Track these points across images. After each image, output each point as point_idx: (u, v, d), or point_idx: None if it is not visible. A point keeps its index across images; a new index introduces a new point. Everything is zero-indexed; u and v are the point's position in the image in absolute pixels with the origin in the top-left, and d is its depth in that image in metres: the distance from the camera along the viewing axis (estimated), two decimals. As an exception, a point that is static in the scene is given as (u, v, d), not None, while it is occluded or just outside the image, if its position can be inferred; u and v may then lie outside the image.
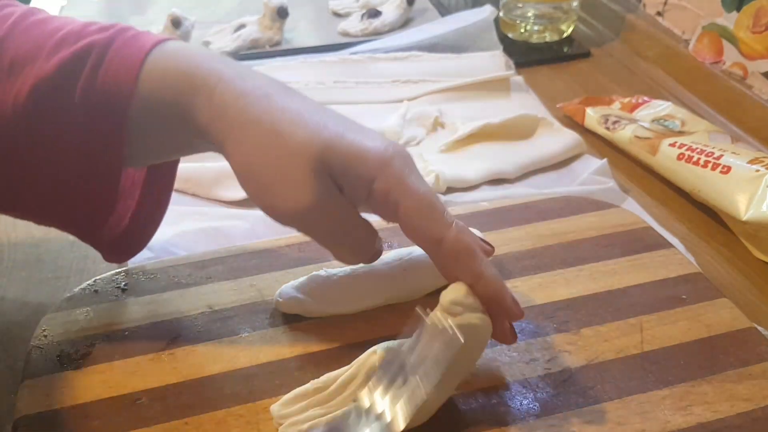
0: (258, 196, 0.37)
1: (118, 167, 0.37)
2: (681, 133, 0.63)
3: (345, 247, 0.39)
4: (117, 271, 0.47)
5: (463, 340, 0.34)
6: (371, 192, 0.36)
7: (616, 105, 0.70)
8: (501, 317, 0.36)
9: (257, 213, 0.57)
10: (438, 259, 0.36)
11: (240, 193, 0.58)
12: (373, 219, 0.38)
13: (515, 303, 0.37)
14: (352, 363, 0.36)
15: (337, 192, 0.36)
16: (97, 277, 0.46)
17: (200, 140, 0.37)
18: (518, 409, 0.37)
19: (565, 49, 0.85)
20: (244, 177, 0.36)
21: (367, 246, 0.39)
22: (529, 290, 0.44)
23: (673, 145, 0.60)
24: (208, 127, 0.36)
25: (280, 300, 0.43)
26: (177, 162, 0.44)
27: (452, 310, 0.35)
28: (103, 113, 0.36)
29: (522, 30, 0.85)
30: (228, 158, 0.37)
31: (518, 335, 0.41)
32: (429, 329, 0.35)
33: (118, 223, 0.42)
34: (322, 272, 0.44)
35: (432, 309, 0.35)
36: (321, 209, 0.35)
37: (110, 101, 0.36)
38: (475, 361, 0.38)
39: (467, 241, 0.36)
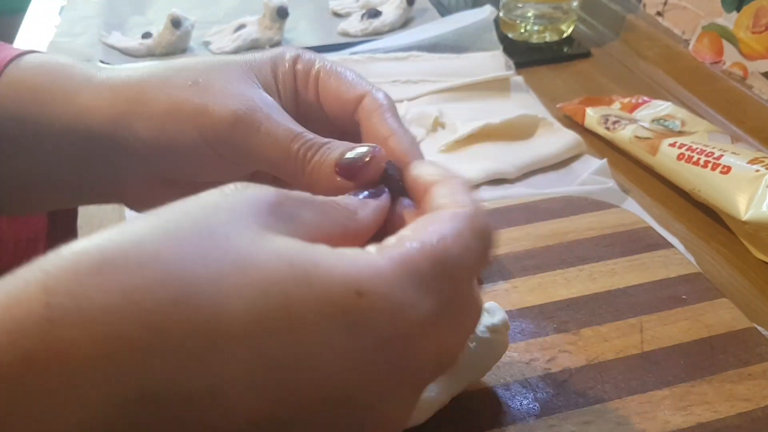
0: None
1: None
2: (681, 133, 0.63)
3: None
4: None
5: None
6: (295, 73, 0.33)
7: (616, 105, 0.70)
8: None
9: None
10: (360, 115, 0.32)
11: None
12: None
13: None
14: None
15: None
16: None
17: (75, 133, 0.32)
18: (518, 409, 0.37)
19: (565, 49, 0.85)
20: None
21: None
22: (529, 290, 0.44)
23: (673, 145, 0.60)
24: (95, 100, 0.32)
25: (280, 300, 0.43)
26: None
27: None
28: None
29: (522, 30, 0.85)
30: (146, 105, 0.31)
31: (518, 335, 0.42)
32: None
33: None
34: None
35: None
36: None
37: None
38: (486, 372, 0.38)
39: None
